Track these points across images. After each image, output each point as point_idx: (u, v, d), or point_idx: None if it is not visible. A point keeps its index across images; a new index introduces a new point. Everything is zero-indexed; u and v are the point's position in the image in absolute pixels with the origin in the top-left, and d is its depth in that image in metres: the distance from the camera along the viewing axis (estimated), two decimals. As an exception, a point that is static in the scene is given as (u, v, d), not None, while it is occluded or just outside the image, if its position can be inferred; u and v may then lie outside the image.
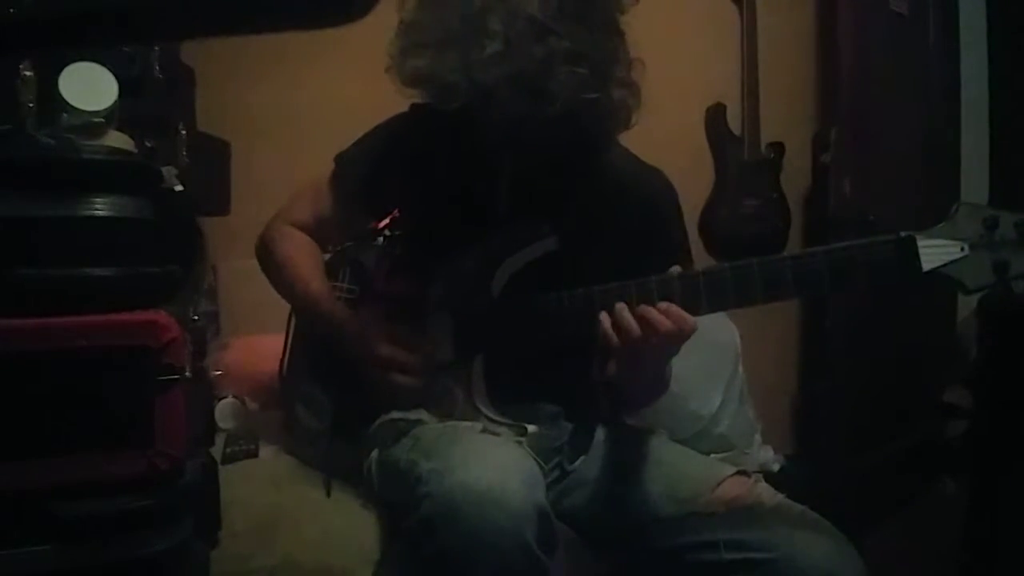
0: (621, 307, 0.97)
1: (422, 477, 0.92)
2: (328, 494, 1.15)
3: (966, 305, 2.25)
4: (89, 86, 0.90)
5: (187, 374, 0.88)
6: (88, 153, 0.87)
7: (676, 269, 0.99)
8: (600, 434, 1.20)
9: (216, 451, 1.27)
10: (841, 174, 2.08)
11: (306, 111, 1.96)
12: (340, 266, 1.28)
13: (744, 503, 1.02)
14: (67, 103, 0.89)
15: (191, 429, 0.92)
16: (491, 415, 1.07)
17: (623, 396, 1.20)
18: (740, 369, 1.95)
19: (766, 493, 1.05)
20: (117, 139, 0.93)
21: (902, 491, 2.17)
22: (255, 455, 1.32)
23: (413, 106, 1.18)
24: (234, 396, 1.45)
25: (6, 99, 0.89)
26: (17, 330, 0.79)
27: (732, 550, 0.98)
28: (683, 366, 1.05)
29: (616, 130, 1.10)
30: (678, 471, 1.09)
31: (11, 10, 0.42)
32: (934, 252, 0.88)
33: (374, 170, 1.23)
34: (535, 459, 0.97)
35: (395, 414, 1.13)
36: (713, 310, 0.97)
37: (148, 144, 1.06)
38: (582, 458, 1.16)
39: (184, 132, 1.28)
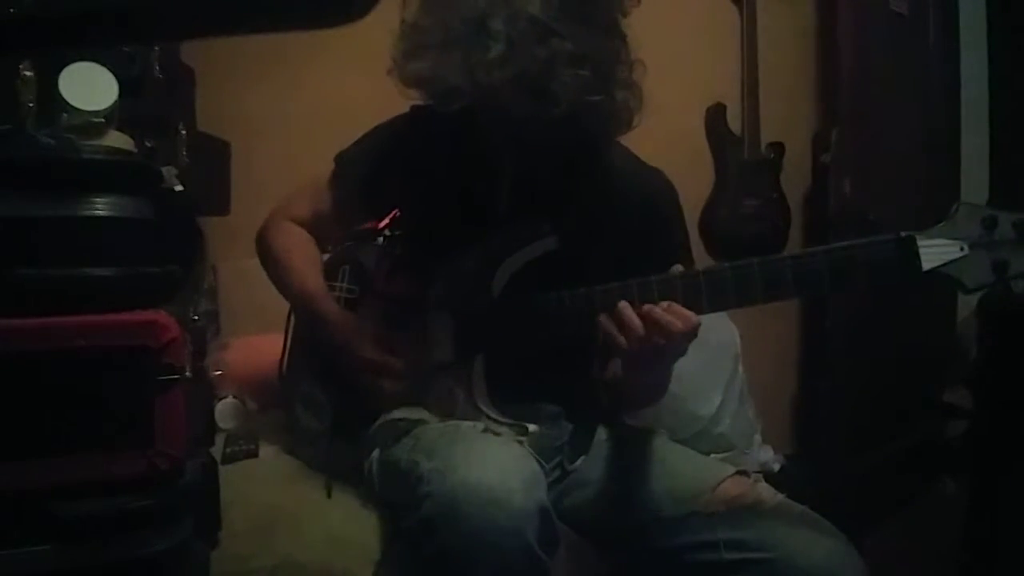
0: (624, 305, 0.97)
1: (423, 477, 0.92)
2: (329, 494, 1.15)
3: (966, 305, 2.25)
4: (89, 86, 0.90)
5: (187, 374, 0.88)
6: (88, 153, 0.87)
7: (677, 268, 0.99)
8: (601, 434, 1.20)
9: (216, 451, 1.27)
10: (841, 174, 2.08)
11: (306, 111, 1.96)
12: (340, 266, 1.28)
13: (744, 503, 1.02)
14: (67, 103, 0.89)
15: (191, 429, 0.92)
16: (492, 415, 1.07)
17: (625, 396, 1.20)
18: (740, 369, 1.95)
19: (766, 493, 1.05)
20: (117, 139, 0.93)
21: (902, 491, 2.17)
22: (255, 455, 1.32)
23: (414, 107, 1.18)
24: (234, 396, 1.45)
25: (6, 99, 0.89)
26: (17, 330, 0.79)
27: (732, 550, 0.98)
28: (683, 366, 1.05)
29: (618, 131, 1.10)
30: (678, 471, 1.09)
31: (11, 10, 0.42)
32: (934, 252, 0.88)
33: (374, 170, 1.23)
34: (536, 459, 0.97)
35: (396, 414, 1.13)
36: (714, 310, 0.97)
37: (148, 144, 1.06)
38: (583, 458, 1.16)
39: (184, 132, 1.28)
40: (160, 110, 1.22)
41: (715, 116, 2.27)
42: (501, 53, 0.97)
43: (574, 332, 1.03)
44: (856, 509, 1.50)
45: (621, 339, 0.97)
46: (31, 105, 0.90)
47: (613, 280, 1.00)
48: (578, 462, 1.16)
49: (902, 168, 2.29)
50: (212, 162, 1.74)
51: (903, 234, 0.90)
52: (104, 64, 0.91)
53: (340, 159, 1.27)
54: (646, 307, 0.95)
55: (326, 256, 1.32)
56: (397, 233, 1.26)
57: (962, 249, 0.88)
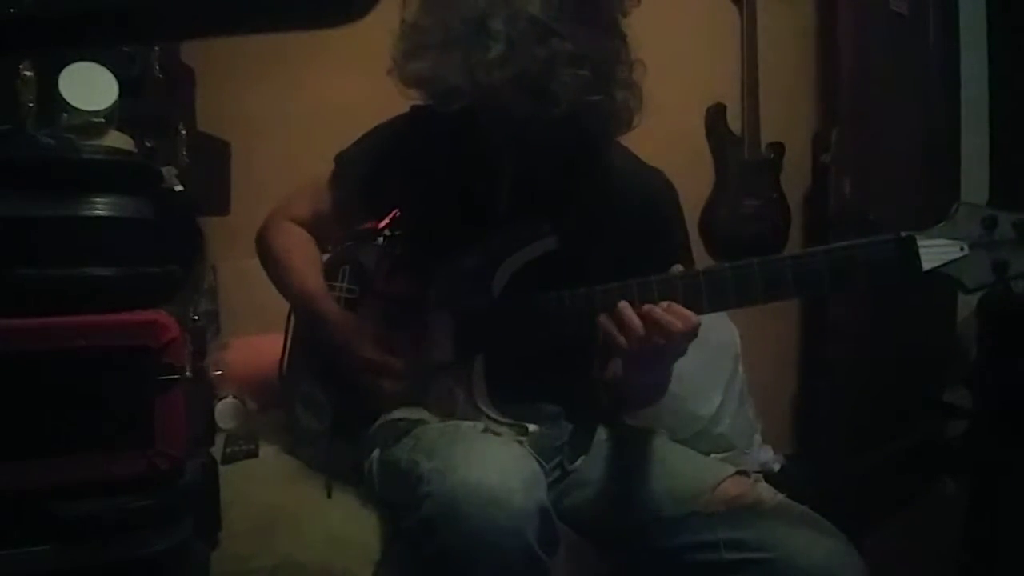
0: (624, 305, 0.97)
1: (423, 477, 0.92)
2: (329, 494, 1.15)
3: (966, 305, 2.25)
4: (89, 86, 0.90)
5: (187, 374, 0.88)
6: (88, 153, 0.87)
7: (677, 268, 0.99)
8: (601, 434, 1.20)
9: (216, 451, 1.27)
10: (841, 174, 2.08)
11: (306, 111, 1.96)
12: (340, 266, 1.28)
13: (744, 503, 1.02)
14: (67, 103, 0.89)
15: (191, 429, 0.92)
16: (492, 415, 1.07)
17: (625, 396, 1.20)
18: (740, 369, 1.95)
19: (766, 493, 1.04)
20: (117, 139, 0.93)
21: (902, 491, 2.17)
22: (255, 455, 1.32)
23: (414, 107, 1.18)
24: (234, 396, 1.45)
25: (6, 99, 0.89)
26: (17, 330, 0.79)
27: (732, 550, 0.98)
28: (683, 366, 1.04)
29: (618, 131, 1.10)
30: (678, 471, 1.09)
31: (11, 10, 0.42)
32: (934, 252, 0.88)
33: (374, 170, 1.23)
34: (536, 459, 0.97)
35: (396, 414, 1.13)
36: (714, 310, 0.97)
37: (148, 144, 1.06)
38: (583, 458, 1.16)
39: (184, 132, 1.28)
40: (160, 110, 1.22)
41: (715, 116, 2.27)
42: (501, 53, 0.97)
43: (574, 332, 1.03)
44: (856, 509, 1.50)
45: (621, 339, 0.97)
46: (31, 105, 0.90)
47: (613, 280, 1.00)
48: (578, 462, 1.16)
49: (902, 168, 2.29)
50: (212, 162, 1.74)
51: (903, 234, 0.89)
52: (104, 64, 0.91)
53: (340, 159, 1.27)
54: (646, 307, 0.95)
55: (326, 256, 1.32)
56: (397, 233, 1.26)
57: (962, 249, 0.88)
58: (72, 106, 0.89)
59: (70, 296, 0.82)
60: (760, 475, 1.10)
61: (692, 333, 0.96)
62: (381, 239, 1.27)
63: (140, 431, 0.83)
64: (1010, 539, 1.57)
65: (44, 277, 0.82)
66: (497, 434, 1.01)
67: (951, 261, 0.88)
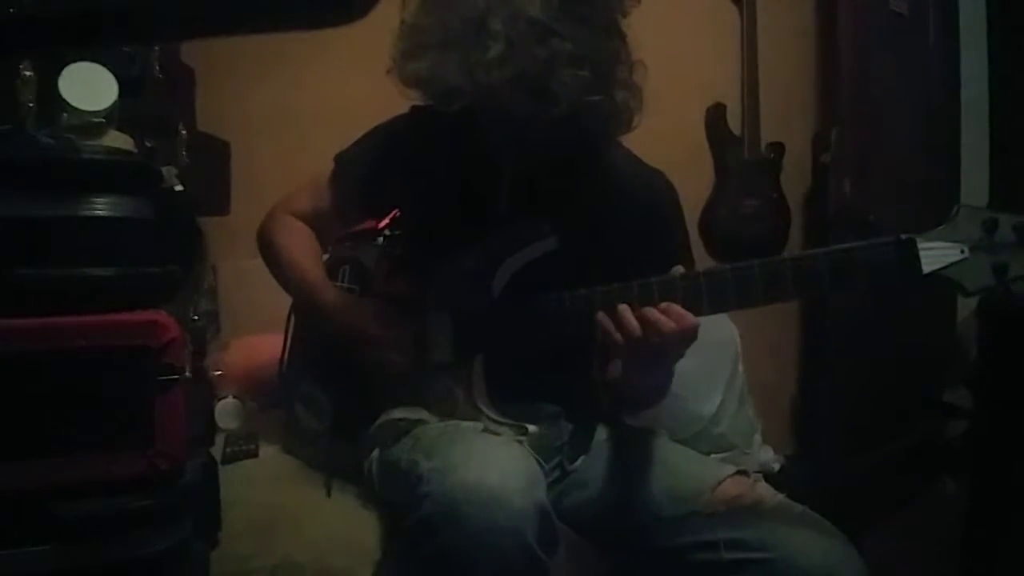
0: (623, 308, 0.97)
1: (423, 476, 0.92)
2: (328, 494, 1.15)
3: (966, 306, 2.25)
4: (89, 86, 0.90)
5: (187, 374, 0.88)
6: (88, 153, 0.87)
7: (678, 269, 0.99)
8: (600, 434, 1.20)
9: (216, 451, 1.28)
10: (841, 174, 2.08)
11: (306, 111, 1.96)
12: (340, 265, 1.28)
13: (744, 503, 1.02)
14: (67, 103, 0.89)
15: (191, 429, 0.92)
16: (492, 415, 1.07)
17: (626, 398, 1.20)
18: (740, 369, 1.95)
19: (766, 493, 1.04)
20: (117, 139, 0.93)
21: (902, 491, 2.17)
22: (255, 455, 1.32)
23: (414, 107, 1.18)
24: (234, 396, 1.45)
25: (6, 99, 0.89)
26: (17, 330, 0.79)
27: (732, 550, 0.98)
28: (683, 366, 1.04)
29: (618, 132, 1.10)
30: (678, 471, 1.09)
31: (11, 10, 0.42)
32: (934, 254, 0.88)
33: (374, 170, 1.23)
34: (536, 459, 0.97)
35: (396, 413, 1.13)
36: (715, 311, 0.97)
37: (148, 144, 1.07)
38: (582, 458, 1.16)
39: (184, 132, 1.28)
40: (160, 110, 1.22)
41: (715, 116, 2.27)
42: (500, 53, 0.97)
43: (574, 332, 1.03)
44: (856, 509, 1.50)
45: (617, 336, 0.97)
46: (31, 105, 0.90)
47: (613, 280, 1.00)
48: (578, 462, 1.16)
49: (902, 168, 2.29)
50: (212, 162, 1.74)
51: (903, 236, 0.90)
52: (104, 64, 0.92)
53: (340, 159, 1.27)
54: (643, 309, 0.96)
55: (326, 256, 1.32)
56: (397, 233, 1.26)
57: (962, 252, 0.88)
58: (72, 106, 0.89)
59: (70, 296, 0.82)
60: (760, 475, 1.10)
61: (690, 334, 0.96)
62: (381, 239, 1.27)
63: (140, 431, 0.83)
64: (1010, 539, 1.57)
65: (44, 277, 0.82)
66: (497, 434, 1.01)
67: (951, 264, 0.88)
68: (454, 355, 1.12)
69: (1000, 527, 1.59)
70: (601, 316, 0.98)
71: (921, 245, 0.89)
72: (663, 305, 0.95)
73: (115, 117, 0.93)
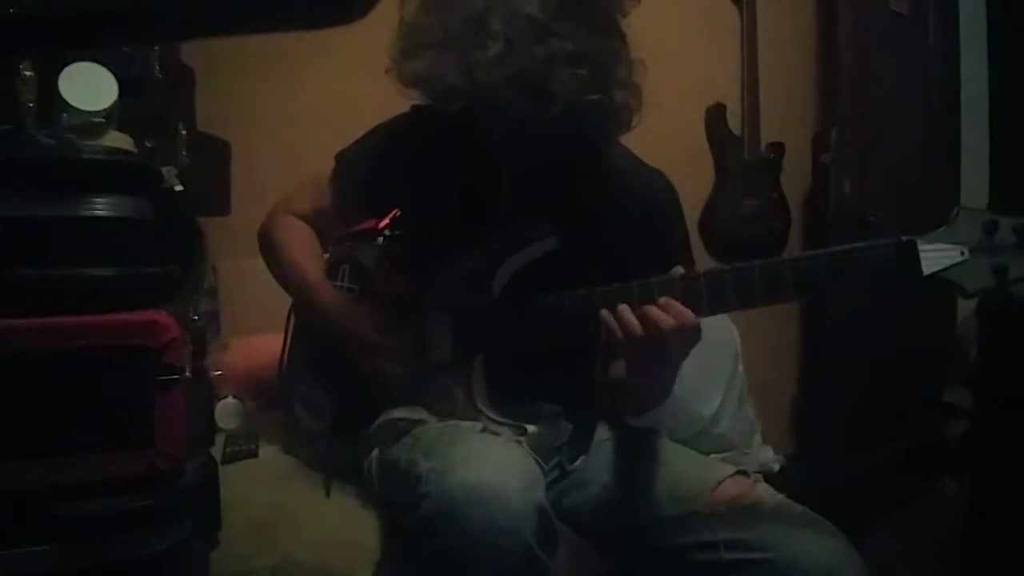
0: (623, 308, 0.97)
1: (422, 476, 0.92)
2: (328, 494, 1.15)
3: (966, 306, 2.25)
4: (89, 86, 0.90)
5: (187, 374, 0.88)
6: (88, 153, 0.87)
7: (678, 270, 0.99)
8: (600, 434, 1.20)
9: (216, 451, 1.28)
10: (841, 174, 2.08)
11: (307, 111, 1.96)
12: (340, 265, 1.28)
13: (744, 503, 1.02)
14: (67, 103, 0.89)
15: (191, 429, 0.92)
16: (491, 415, 1.07)
17: (628, 399, 1.19)
18: (740, 369, 1.95)
19: (766, 493, 1.04)
20: (117, 139, 0.93)
21: (902, 491, 2.17)
22: (255, 455, 1.32)
23: (414, 107, 1.18)
24: (234, 396, 1.45)
25: (6, 99, 0.89)
26: (17, 330, 0.79)
27: (732, 550, 0.98)
28: (683, 366, 1.04)
29: (617, 131, 1.10)
30: (678, 471, 1.09)
31: (11, 10, 0.42)
32: (934, 256, 0.88)
33: (374, 169, 1.23)
34: (535, 459, 0.97)
35: (395, 413, 1.13)
36: (714, 312, 0.96)
37: (148, 144, 1.06)
38: (582, 458, 1.16)
39: (184, 132, 1.28)
40: (160, 110, 1.22)
41: (715, 116, 2.27)
42: (499, 52, 0.97)
43: (574, 332, 1.03)
44: (856, 509, 1.50)
45: (619, 333, 0.97)
46: (31, 105, 0.90)
47: (613, 280, 1.00)
48: (577, 462, 1.16)
49: (902, 168, 2.29)
50: (212, 162, 1.74)
51: (904, 238, 0.89)
52: (104, 64, 0.92)
53: (341, 158, 1.28)
54: (643, 308, 0.96)
55: (326, 256, 1.32)
56: (397, 233, 1.26)
57: (962, 254, 0.88)
58: (72, 106, 0.89)
59: (70, 296, 0.82)
60: (760, 475, 1.10)
61: (693, 332, 0.95)
62: (381, 239, 1.27)
63: (140, 431, 0.83)
64: (1010, 539, 1.57)
65: (44, 277, 0.82)
66: (496, 434, 1.01)
67: (951, 266, 0.88)
68: (454, 355, 1.12)
69: (1000, 527, 1.59)
70: (604, 314, 0.98)
71: (921, 247, 0.89)
72: (662, 301, 0.95)
73: (115, 117, 0.93)
